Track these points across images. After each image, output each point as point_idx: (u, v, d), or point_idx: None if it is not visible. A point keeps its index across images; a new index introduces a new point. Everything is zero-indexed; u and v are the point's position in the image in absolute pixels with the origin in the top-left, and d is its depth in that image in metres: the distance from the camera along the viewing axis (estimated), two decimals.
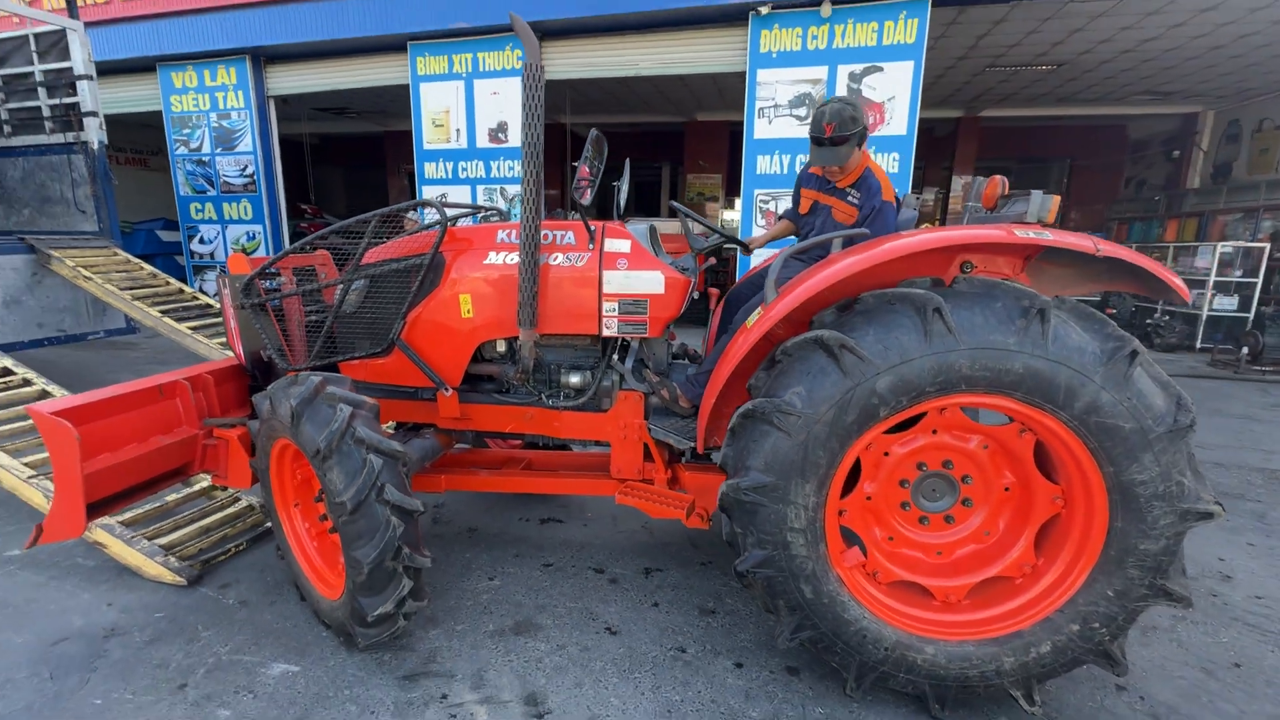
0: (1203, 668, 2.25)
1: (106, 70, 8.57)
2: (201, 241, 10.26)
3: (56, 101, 5.72)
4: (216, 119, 9.66)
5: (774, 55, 7.27)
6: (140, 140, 13.82)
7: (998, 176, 2.22)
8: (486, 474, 2.87)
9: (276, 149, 9.90)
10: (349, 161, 18.25)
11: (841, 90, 7.14)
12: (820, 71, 7.18)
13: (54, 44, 5.61)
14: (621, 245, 2.44)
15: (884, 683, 1.96)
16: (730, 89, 10.03)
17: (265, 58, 9.32)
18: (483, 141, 8.48)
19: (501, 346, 2.60)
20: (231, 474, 2.61)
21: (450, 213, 2.55)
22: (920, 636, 1.91)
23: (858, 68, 7.04)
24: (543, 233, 2.45)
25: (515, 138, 8.31)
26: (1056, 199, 1.81)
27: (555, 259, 2.44)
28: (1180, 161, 13.64)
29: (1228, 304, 8.73)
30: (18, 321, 5.21)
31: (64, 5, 5.60)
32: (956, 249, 1.93)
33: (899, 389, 1.73)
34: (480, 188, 8.67)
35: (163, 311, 5.15)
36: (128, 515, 2.92)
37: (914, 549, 2.06)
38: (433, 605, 2.53)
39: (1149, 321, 9.25)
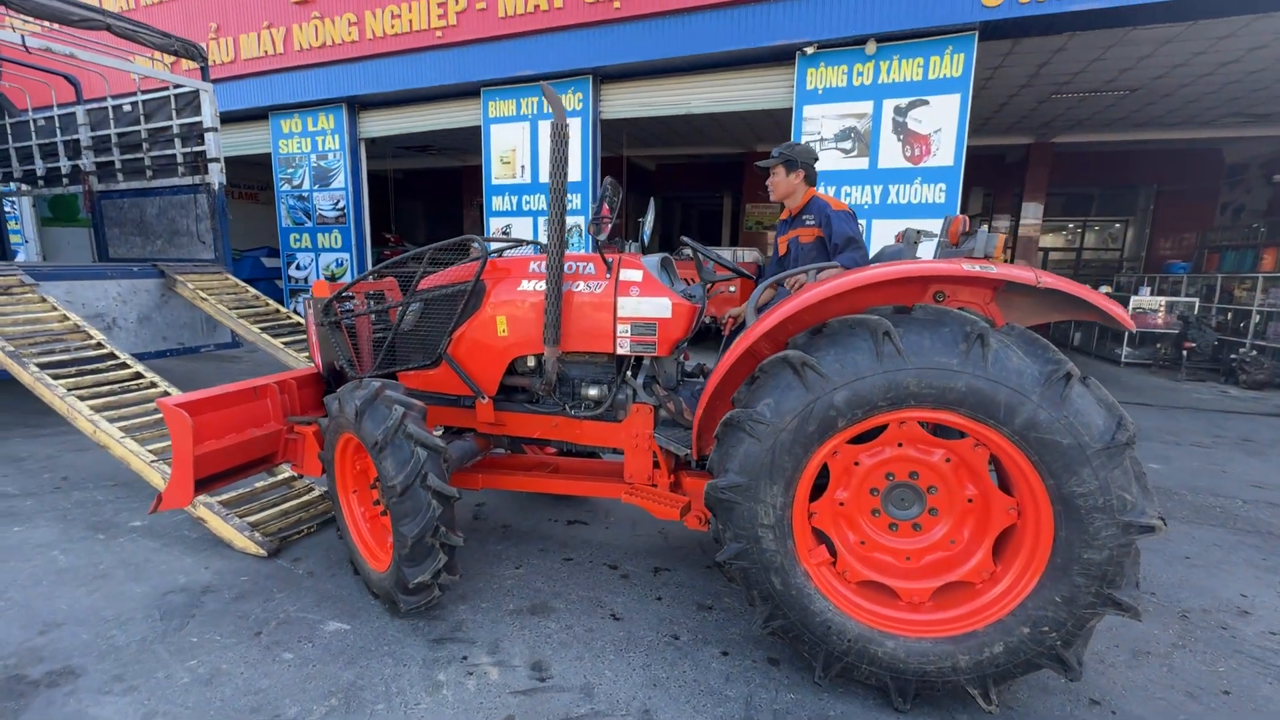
0: (1188, 692, 2.28)
1: (228, 119, 9.91)
2: (298, 268, 11.47)
3: (189, 150, 6.76)
4: (316, 159, 10.87)
5: (819, 91, 7.53)
6: (252, 177, 15.60)
7: (961, 215, 2.42)
8: (517, 475, 3.24)
9: (365, 184, 11.00)
10: (429, 194, 19.74)
11: (887, 124, 7.29)
12: (865, 106, 7.38)
13: (189, 102, 6.66)
14: (634, 275, 2.79)
15: (850, 673, 2.14)
16: (785, 121, 10.34)
17: (359, 105, 10.45)
18: (544, 177, 9.14)
19: (531, 362, 2.99)
20: (306, 463, 3.11)
21: (495, 246, 2.99)
22: (881, 631, 2.09)
23: (903, 102, 7.19)
24: (567, 264, 2.84)
25: (574, 174, 8.91)
26: (1001, 237, 2.00)
27: (577, 286, 2.81)
28: None
29: None
30: (148, 335, 6.14)
31: (198, 68, 6.62)
32: (915, 280, 2.15)
33: (854, 403, 1.97)
34: (541, 219, 9.32)
35: (262, 329, 5.94)
36: (224, 496, 3.48)
37: (885, 553, 2.25)
38: (463, 585, 2.90)
39: (1234, 357, 8.66)
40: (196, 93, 6.54)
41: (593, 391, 2.93)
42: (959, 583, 2.15)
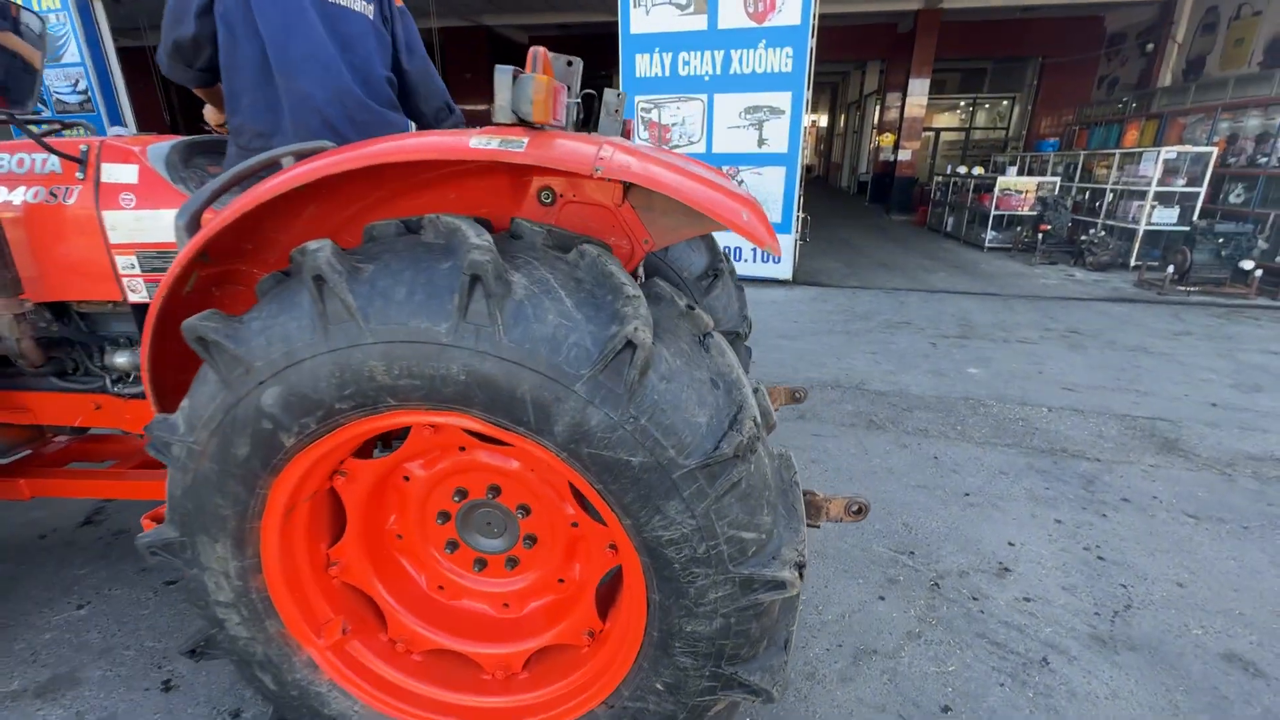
0: (900, 713, 1.76)
1: None
2: None
3: None
4: None
5: None
6: None
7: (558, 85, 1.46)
8: (90, 476, 2.25)
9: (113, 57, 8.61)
10: None
11: None
12: None
13: None
14: (125, 174, 1.71)
15: None
16: None
17: None
18: None
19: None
20: None
21: None
22: None
23: None
24: (13, 156, 1.71)
25: None
26: (544, 79, 1.08)
27: (27, 195, 1.71)
28: (1153, 55, 12.42)
29: (1167, 217, 8.02)
30: None
31: None
32: (380, 169, 1.20)
33: (295, 407, 1.09)
34: None
35: None
36: None
37: (477, 600, 1.50)
38: None
39: (1084, 238, 8.55)
40: None
41: (120, 359, 1.92)
42: (561, 646, 1.43)
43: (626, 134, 2.44)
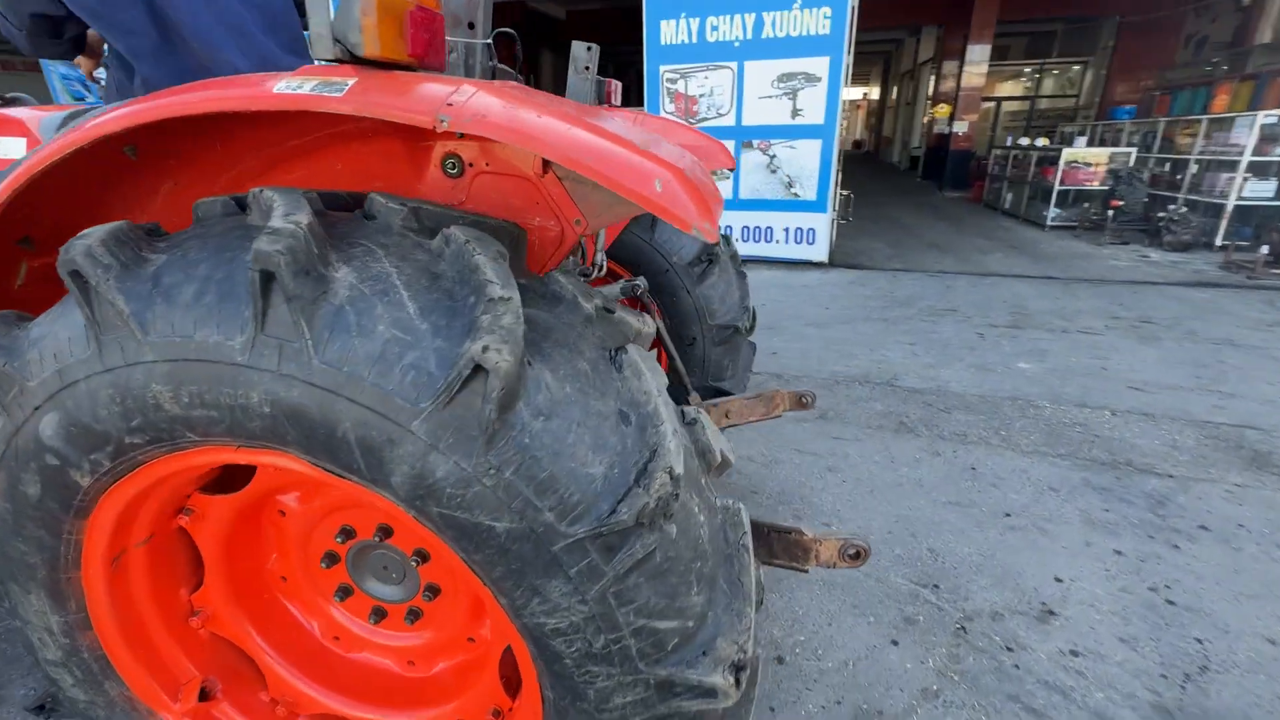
0: None
1: None
2: None
3: None
4: None
5: None
6: None
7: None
8: None
9: None
10: None
11: None
12: None
13: None
14: (11, 147, 1.51)
15: None
16: None
17: None
18: None
19: None
20: None
21: None
22: None
23: None
24: None
25: None
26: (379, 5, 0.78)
27: None
28: (1250, 9, 11.07)
29: (1262, 190, 7.10)
30: None
31: None
32: (238, 134, 0.94)
33: (78, 440, 0.84)
34: None
35: None
36: None
37: (381, 654, 1.26)
38: None
39: (1161, 215, 7.69)
40: None
41: None
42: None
43: (608, 97, 2.12)
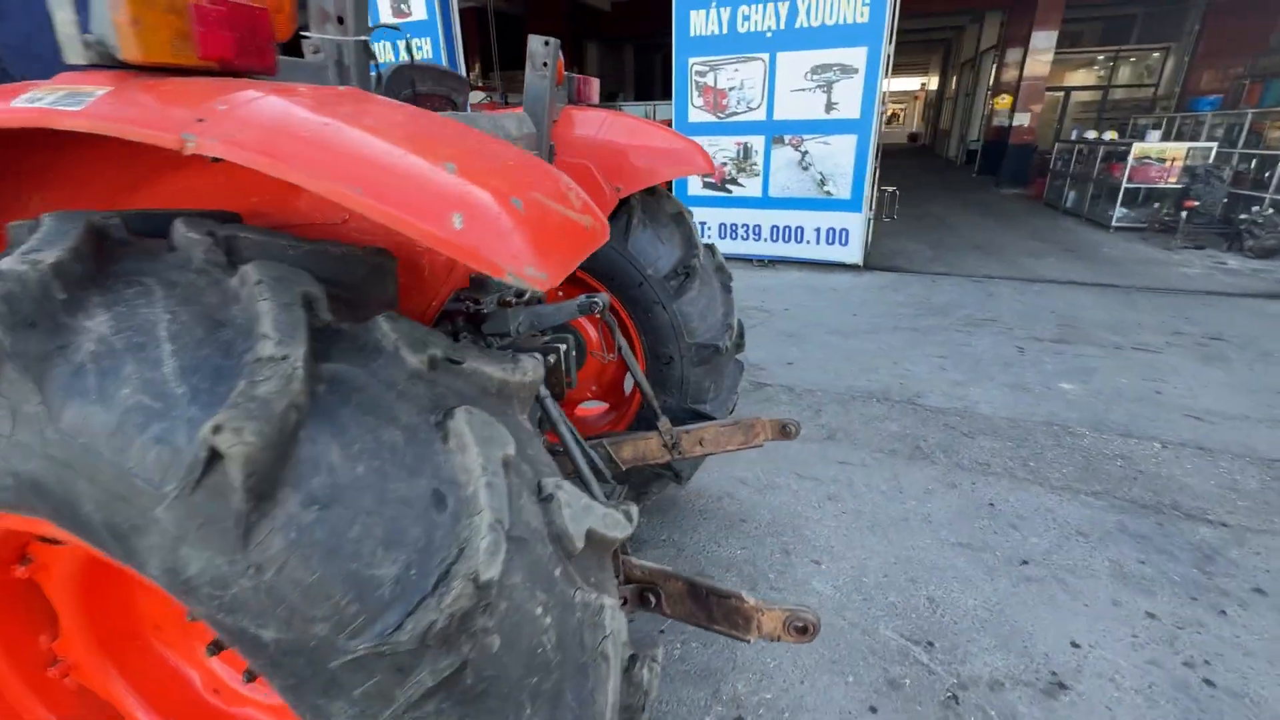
0: None
1: None
2: None
3: None
4: None
5: None
6: None
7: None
8: None
9: None
10: None
11: None
12: None
13: None
14: None
15: None
16: None
17: None
18: None
19: None
20: None
21: None
22: None
23: None
24: None
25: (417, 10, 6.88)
26: None
27: None
28: None
29: None
30: None
31: None
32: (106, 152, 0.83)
33: None
34: None
35: None
36: None
37: (266, 713, 1.16)
38: None
39: (1244, 217, 6.98)
40: None
41: None
42: None
43: (578, 96, 1.96)
